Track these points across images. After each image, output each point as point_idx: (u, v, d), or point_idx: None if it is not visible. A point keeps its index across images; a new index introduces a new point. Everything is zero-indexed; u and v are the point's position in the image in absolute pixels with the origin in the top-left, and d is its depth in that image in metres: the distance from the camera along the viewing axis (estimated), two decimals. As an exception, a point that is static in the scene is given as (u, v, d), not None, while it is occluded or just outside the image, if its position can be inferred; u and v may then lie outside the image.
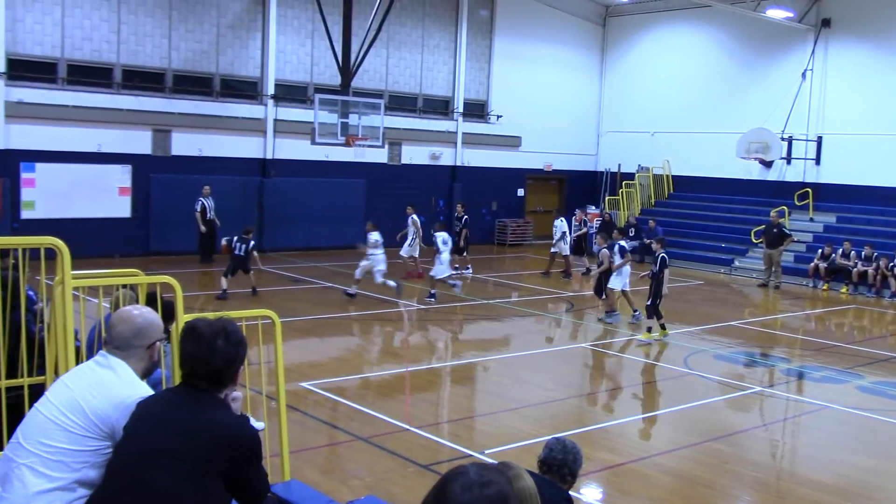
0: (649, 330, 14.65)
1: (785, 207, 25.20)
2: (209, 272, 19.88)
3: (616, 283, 15.95)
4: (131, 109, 21.22)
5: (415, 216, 20.51)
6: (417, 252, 20.69)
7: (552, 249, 22.18)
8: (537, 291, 19.68)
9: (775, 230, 22.02)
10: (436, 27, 27.05)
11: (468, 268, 21.52)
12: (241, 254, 16.96)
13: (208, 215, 21.13)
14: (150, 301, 5.29)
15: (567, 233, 22.09)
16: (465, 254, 21.61)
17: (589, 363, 13.67)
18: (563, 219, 22.22)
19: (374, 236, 17.46)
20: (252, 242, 17.27)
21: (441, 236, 17.62)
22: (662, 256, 14.63)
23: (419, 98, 26.95)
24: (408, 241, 20.55)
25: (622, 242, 16.35)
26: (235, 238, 17.18)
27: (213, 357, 3.31)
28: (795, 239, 22.96)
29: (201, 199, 21.06)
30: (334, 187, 24.59)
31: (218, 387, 3.38)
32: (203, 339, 3.32)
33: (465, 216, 21.99)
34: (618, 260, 15.89)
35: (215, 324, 3.38)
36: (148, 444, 3.23)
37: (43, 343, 5.45)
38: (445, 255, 17.60)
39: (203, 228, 20.96)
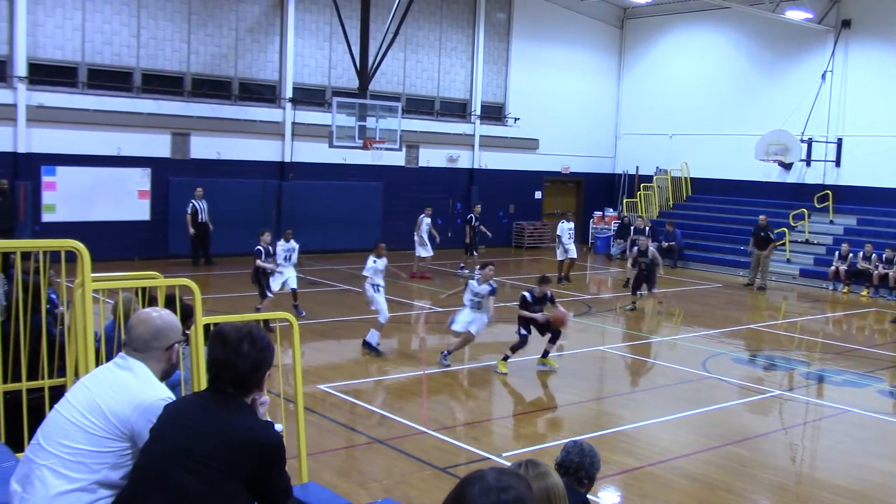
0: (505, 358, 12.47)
1: (805, 210, 25.04)
2: (222, 275, 19.98)
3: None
4: (151, 113, 21.37)
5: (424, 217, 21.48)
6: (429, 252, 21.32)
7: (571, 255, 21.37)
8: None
9: (762, 234, 21.88)
10: (453, 30, 27.07)
11: (463, 267, 21.90)
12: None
13: (200, 218, 21.19)
14: (169, 303, 5.32)
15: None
16: (474, 253, 21.98)
17: (607, 366, 13.63)
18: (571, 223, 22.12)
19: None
20: (256, 248, 14.64)
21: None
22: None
23: (436, 101, 26.97)
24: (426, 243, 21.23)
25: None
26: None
27: (238, 362, 3.34)
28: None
29: (193, 200, 21.13)
30: (352, 190, 24.66)
31: (244, 392, 3.40)
32: (229, 344, 3.35)
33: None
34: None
35: (242, 329, 3.41)
36: (174, 447, 3.26)
37: (63, 345, 5.50)
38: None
39: (192, 231, 21.01)
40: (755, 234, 22.11)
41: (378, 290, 13.24)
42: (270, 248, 14.83)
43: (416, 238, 21.50)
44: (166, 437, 3.31)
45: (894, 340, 16.34)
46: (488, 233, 22.77)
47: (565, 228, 21.46)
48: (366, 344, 13.07)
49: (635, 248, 18.46)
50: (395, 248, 24.87)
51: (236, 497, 3.27)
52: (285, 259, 15.42)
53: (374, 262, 13.31)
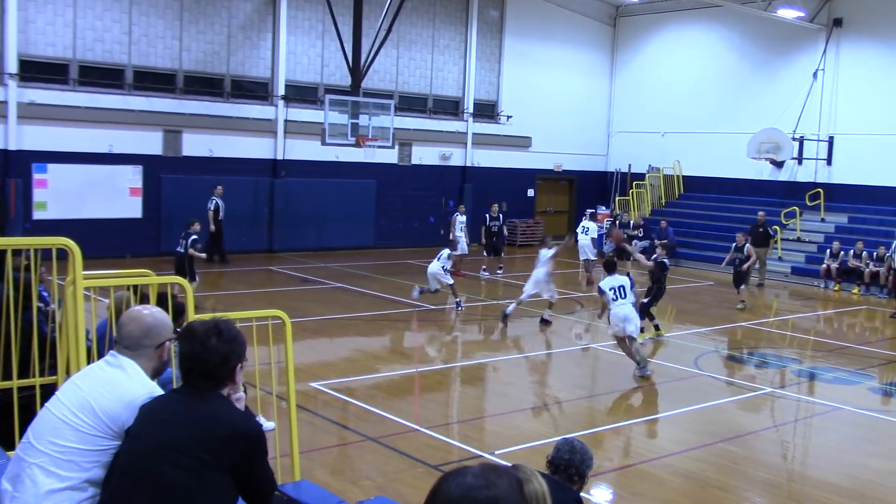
0: (657, 328, 14.69)
1: (796, 208, 25.11)
2: (220, 272, 19.95)
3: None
4: (142, 110, 21.30)
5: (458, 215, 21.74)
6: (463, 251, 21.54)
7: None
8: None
9: (761, 230, 21.90)
10: (446, 27, 27.06)
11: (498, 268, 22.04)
12: (182, 251, 15.44)
13: (220, 215, 21.21)
14: (161, 301, 5.31)
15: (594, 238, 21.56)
16: (496, 254, 22.03)
17: (599, 364, 13.64)
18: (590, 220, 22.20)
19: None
20: (193, 237, 15.58)
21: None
22: (664, 262, 14.68)
23: (429, 98, 26.95)
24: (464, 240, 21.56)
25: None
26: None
27: (206, 355, 3.36)
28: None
29: (215, 198, 21.15)
30: (345, 188, 24.63)
31: (217, 384, 3.41)
32: (196, 339, 3.38)
33: (501, 214, 22.48)
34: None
35: (207, 323, 3.44)
36: (157, 442, 3.25)
37: (54, 343, 5.48)
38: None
39: (213, 227, 21.00)
40: (752, 232, 22.07)
41: (550, 278, 15.35)
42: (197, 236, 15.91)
43: (451, 237, 21.80)
44: (147, 434, 3.31)
45: (885, 338, 16.40)
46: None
47: (594, 228, 21.66)
48: (543, 321, 15.24)
49: (733, 244, 18.96)
50: (390, 245, 25.00)
51: (222, 488, 3.28)
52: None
53: (548, 251, 15.47)
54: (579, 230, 21.70)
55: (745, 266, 18.43)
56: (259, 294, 17.28)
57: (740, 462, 8.88)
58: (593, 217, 22.98)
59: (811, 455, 9.78)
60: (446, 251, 16.81)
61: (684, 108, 28.61)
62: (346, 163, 24.33)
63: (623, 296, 11.89)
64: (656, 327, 14.77)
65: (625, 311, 11.84)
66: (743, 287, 18.53)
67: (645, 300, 14.52)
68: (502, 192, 28.33)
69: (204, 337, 3.37)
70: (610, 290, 11.98)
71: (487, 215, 22.44)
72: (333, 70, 24.50)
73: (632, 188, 28.78)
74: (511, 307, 15.11)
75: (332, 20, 21.83)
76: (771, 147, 25.06)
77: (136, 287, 5.84)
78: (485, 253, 22.24)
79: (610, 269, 12.34)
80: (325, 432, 9.29)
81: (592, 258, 21.17)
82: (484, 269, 21.85)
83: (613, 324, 11.99)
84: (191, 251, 15.25)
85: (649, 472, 8.45)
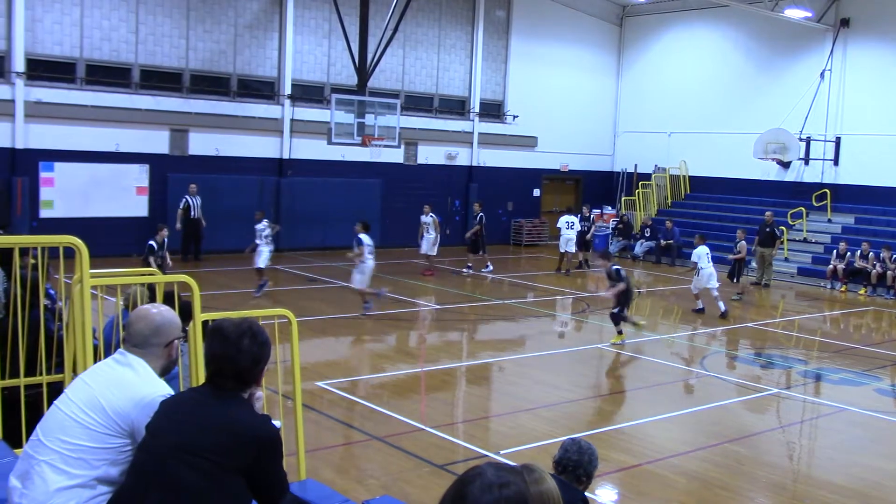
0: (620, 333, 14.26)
1: (803, 208, 25.04)
2: (224, 271, 19.98)
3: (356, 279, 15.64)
4: (149, 109, 21.34)
5: (433, 215, 21.39)
6: (435, 251, 21.47)
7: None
8: (553, 292, 19.66)
9: (768, 230, 21.88)
10: (452, 27, 27.06)
11: (488, 265, 22.08)
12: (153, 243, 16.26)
13: (192, 214, 21.17)
14: (168, 300, 5.32)
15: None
16: (482, 252, 21.93)
17: (604, 364, 13.63)
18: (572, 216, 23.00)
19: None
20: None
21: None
22: (616, 269, 14.49)
23: (435, 98, 26.95)
24: (430, 240, 21.41)
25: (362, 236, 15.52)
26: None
27: (239, 357, 3.36)
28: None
29: (187, 196, 21.13)
30: (350, 187, 24.64)
31: (243, 386, 3.43)
32: (229, 340, 3.38)
33: (481, 214, 22.25)
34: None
35: (241, 324, 3.44)
36: (174, 441, 3.27)
37: (61, 341, 5.50)
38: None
39: (178, 226, 20.90)
40: (760, 232, 22.08)
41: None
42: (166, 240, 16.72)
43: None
44: (165, 432, 3.32)
45: (892, 339, 16.35)
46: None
47: (577, 223, 23.00)
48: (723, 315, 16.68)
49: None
50: (395, 245, 25.01)
51: (236, 490, 3.29)
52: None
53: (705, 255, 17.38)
54: (563, 225, 22.53)
55: (732, 258, 20.22)
56: (265, 293, 17.27)
57: (746, 463, 8.87)
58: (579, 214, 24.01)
59: (817, 456, 9.76)
60: None
61: (691, 108, 28.56)
62: (352, 162, 24.34)
63: (372, 252, 15.41)
64: (619, 332, 14.34)
65: (371, 264, 15.42)
66: (735, 280, 20.11)
67: (616, 308, 14.25)
68: (508, 192, 28.40)
69: (237, 338, 3.37)
70: (367, 245, 15.19)
71: (473, 214, 22.85)
72: (340, 69, 24.51)
73: (638, 188, 28.74)
74: (723, 305, 17.13)
75: (338, 19, 21.85)
76: (777, 147, 24.99)
77: (142, 286, 5.86)
78: (472, 253, 22.37)
79: (367, 228, 15.61)
80: (331, 431, 9.30)
81: (572, 251, 22.56)
82: (488, 265, 22.15)
83: (368, 275, 15.42)
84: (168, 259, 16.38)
85: (654, 472, 8.44)
